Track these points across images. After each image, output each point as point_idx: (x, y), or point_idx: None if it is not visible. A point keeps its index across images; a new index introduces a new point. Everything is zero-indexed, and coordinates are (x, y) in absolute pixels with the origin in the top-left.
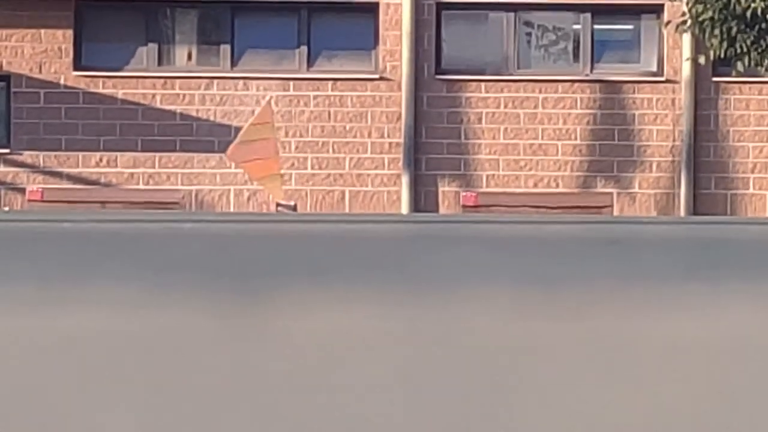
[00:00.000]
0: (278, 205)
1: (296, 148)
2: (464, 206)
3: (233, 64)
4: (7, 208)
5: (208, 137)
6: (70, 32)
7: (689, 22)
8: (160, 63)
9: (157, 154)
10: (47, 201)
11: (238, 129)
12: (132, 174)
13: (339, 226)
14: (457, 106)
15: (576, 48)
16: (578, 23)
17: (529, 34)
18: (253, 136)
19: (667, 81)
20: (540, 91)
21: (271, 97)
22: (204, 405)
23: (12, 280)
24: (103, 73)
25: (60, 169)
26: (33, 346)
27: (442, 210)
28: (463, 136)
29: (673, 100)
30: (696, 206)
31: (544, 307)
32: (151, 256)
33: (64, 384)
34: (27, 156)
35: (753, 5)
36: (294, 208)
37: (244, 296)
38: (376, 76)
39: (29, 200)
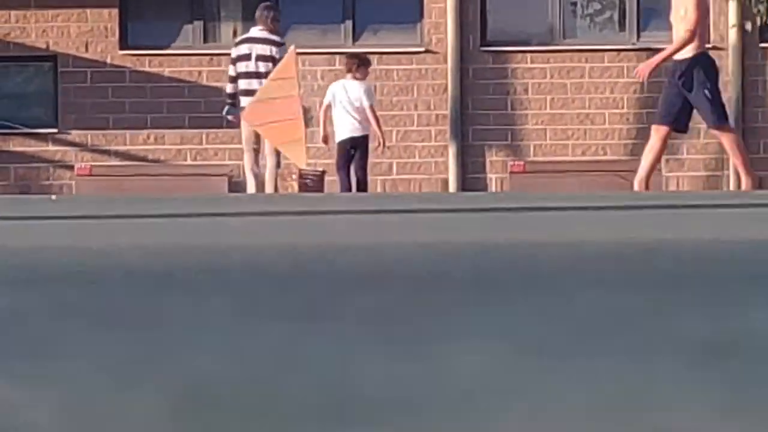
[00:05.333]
0: (302, 173)
1: None
2: (512, 172)
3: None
4: (54, 197)
5: None
6: (115, 11)
7: None
8: (205, 40)
9: (204, 131)
10: (95, 175)
11: None
12: (179, 150)
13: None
14: (503, 77)
15: (622, 17)
16: None
17: (574, 4)
18: (274, 93)
19: (714, 48)
20: (586, 61)
21: (295, 47)
22: None
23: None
24: (149, 52)
25: (108, 147)
26: None
27: (489, 176)
28: (509, 107)
29: (720, 68)
30: None
31: None
32: None
33: None
34: (75, 135)
35: None
36: (322, 175)
37: None
38: (422, 49)
39: (78, 174)
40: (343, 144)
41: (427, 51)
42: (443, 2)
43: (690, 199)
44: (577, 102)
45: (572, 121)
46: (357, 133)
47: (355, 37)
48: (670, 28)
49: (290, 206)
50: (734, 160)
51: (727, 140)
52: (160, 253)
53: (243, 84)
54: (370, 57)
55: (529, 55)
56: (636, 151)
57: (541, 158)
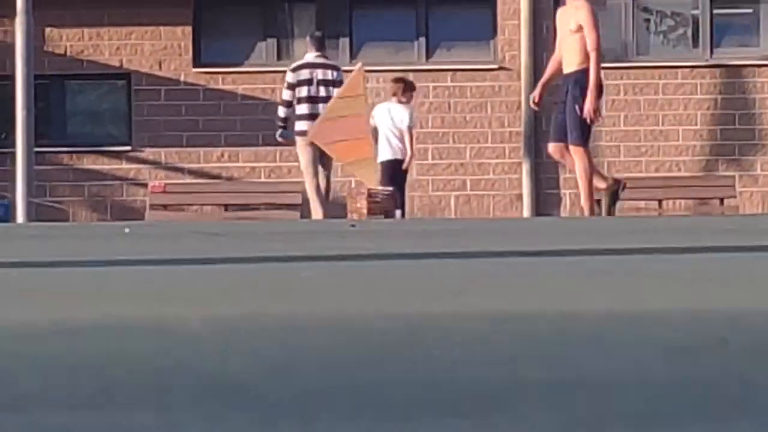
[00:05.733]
0: (371, 192)
1: (417, 139)
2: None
3: (352, 56)
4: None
5: None
6: (189, 29)
7: None
8: (279, 58)
9: (278, 149)
10: (169, 192)
11: None
12: (253, 168)
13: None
14: None
15: (695, 33)
16: (697, 8)
17: (647, 21)
18: (341, 111)
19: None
20: (660, 78)
21: (362, 64)
22: None
23: None
24: (223, 69)
25: (182, 165)
26: None
27: (563, 192)
28: None
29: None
30: None
31: None
32: None
33: None
34: (148, 153)
35: None
36: (393, 194)
37: None
38: (495, 66)
39: (152, 192)
40: (386, 165)
41: (500, 68)
42: (517, 19)
43: None
44: (651, 119)
45: (646, 137)
46: (400, 156)
47: (429, 55)
48: (744, 44)
49: None
50: (581, 183)
51: (580, 161)
52: None
53: (304, 108)
54: (444, 74)
55: (602, 72)
56: (710, 167)
57: (615, 174)
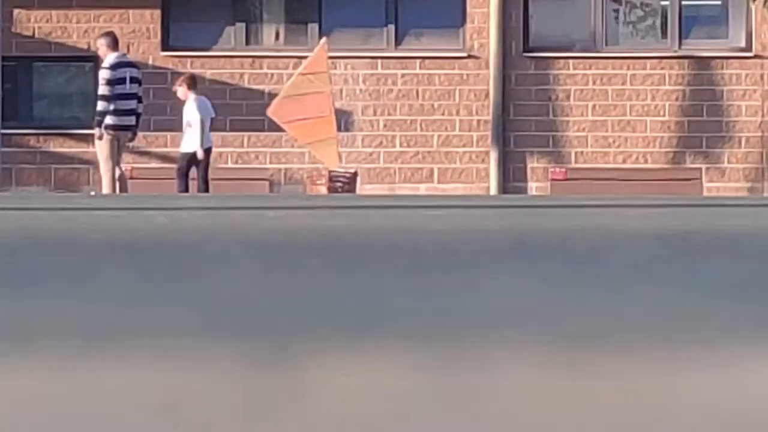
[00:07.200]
0: (332, 175)
1: (384, 126)
2: (553, 179)
3: None
4: (93, 192)
5: None
6: (157, 12)
7: None
8: (247, 42)
9: (246, 134)
10: (135, 178)
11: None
12: (220, 153)
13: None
14: (545, 83)
15: (664, 24)
16: None
17: (616, 11)
18: (303, 89)
19: (756, 56)
20: (628, 68)
21: (326, 40)
22: None
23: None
24: (191, 53)
25: (148, 149)
26: None
27: (530, 185)
28: (551, 113)
29: (761, 76)
30: None
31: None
32: None
33: None
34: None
35: None
36: (354, 176)
37: None
38: (464, 54)
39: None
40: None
41: (469, 56)
42: (486, 7)
43: None
44: (619, 109)
45: (613, 127)
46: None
47: (398, 42)
48: (713, 36)
49: None
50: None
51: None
52: None
53: (117, 105)
54: (413, 62)
55: (571, 62)
56: (677, 159)
57: (582, 165)
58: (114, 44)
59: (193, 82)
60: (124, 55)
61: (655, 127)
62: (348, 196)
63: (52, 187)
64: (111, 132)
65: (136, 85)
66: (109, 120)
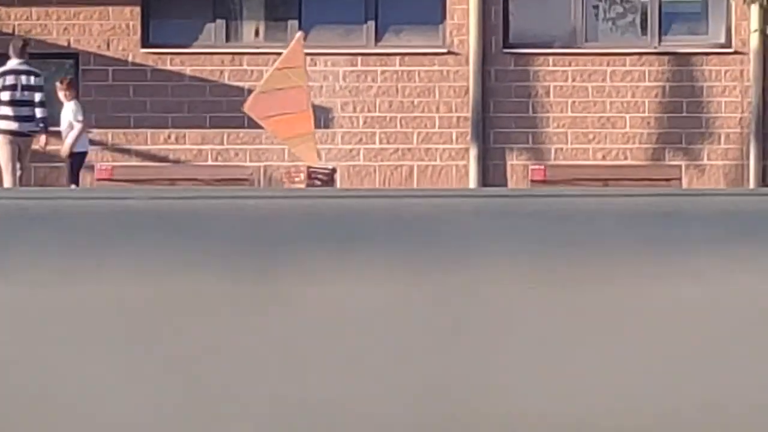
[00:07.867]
0: (311, 171)
1: (364, 123)
2: (533, 180)
3: None
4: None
5: None
6: (137, 9)
7: None
8: (227, 39)
9: (226, 131)
10: (116, 180)
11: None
12: (200, 151)
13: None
14: (525, 79)
15: (644, 20)
16: None
17: (596, 7)
18: (280, 83)
19: (736, 53)
20: (608, 64)
21: (302, 34)
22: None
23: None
24: (171, 50)
25: (129, 147)
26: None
27: (510, 183)
28: (530, 110)
29: (741, 72)
30: (765, 177)
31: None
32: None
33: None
34: (96, 134)
35: None
36: (332, 173)
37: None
38: (444, 51)
39: (98, 179)
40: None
41: (449, 53)
42: (466, 4)
43: None
44: (599, 105)
45: (593, 124)
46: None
47: (378, 38)
48: (693, 32)
49: None
50: None
51: None
52: None
53: (8, 110)
54: (393, 58)
55: (551, 58)
56: (657, 156)
57: (562, 162)
58: (19, 51)
59: (74, 86)
60: (25, 62)
61: (635, 124)
62: (326, 188)
63: (31, 180)
64: (9, 136)
65: (31, 92)
66: (3, 125)
